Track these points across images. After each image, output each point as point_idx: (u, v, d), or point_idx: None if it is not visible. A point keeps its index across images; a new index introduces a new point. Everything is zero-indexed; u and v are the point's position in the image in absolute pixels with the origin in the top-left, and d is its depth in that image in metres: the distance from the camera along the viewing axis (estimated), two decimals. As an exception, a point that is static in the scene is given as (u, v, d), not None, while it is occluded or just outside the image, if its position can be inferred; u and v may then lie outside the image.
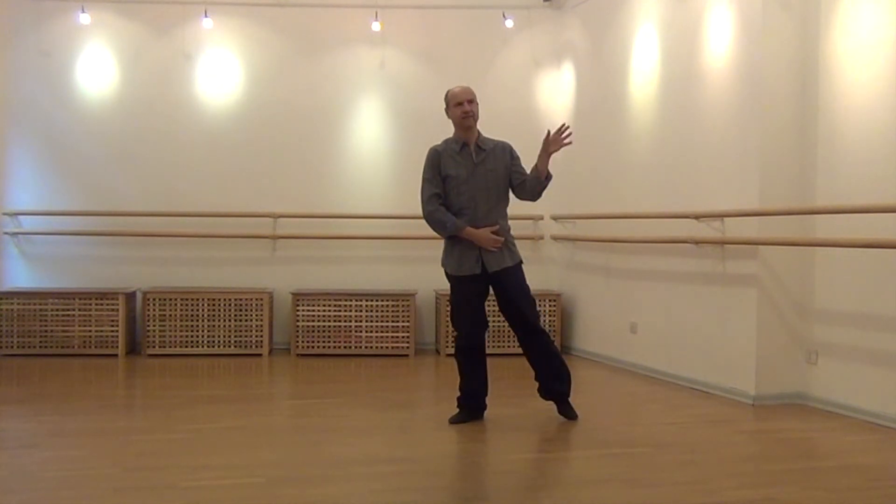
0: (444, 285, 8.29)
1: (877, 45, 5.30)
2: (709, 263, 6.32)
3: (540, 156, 5.16)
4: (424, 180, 5.11)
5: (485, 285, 5.15)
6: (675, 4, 6.79)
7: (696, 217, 6.28)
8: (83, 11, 8.10)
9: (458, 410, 5.26)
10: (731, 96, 6.12)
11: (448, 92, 5.17)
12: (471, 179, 5.07)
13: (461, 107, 5.08)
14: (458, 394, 5.31)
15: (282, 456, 4.48)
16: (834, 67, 5.63)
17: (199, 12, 8.23)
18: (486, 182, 5.11)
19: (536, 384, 5.41)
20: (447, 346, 8.02)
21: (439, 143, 5.20)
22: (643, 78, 7.20)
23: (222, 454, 4.50)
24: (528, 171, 5.20)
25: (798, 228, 5.81)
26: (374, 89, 8.55)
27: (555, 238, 8.57)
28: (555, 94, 8.66)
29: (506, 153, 5.22)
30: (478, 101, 5.17)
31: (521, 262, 5.25)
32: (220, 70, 8.40)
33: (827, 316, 5.71)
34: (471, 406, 5.27)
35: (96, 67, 8.28)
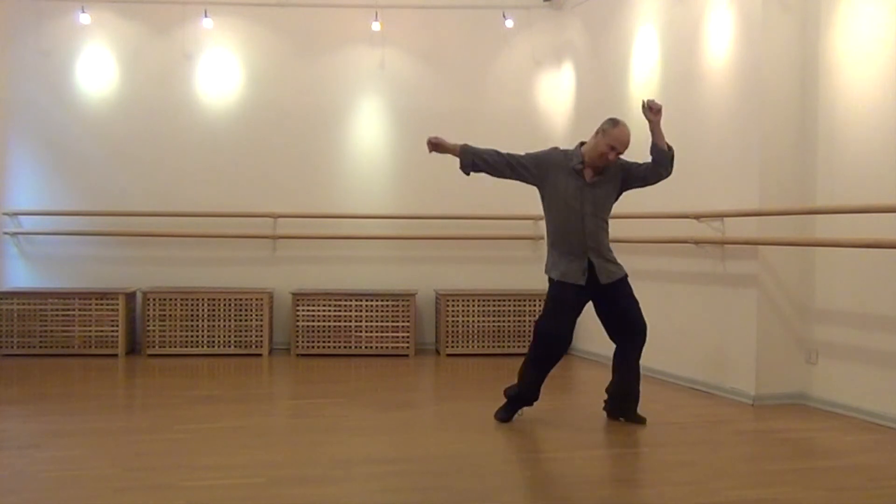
0: (444, 285, 8.40)
1: (877, 45, 5.30)
2: (709, 263, 6.32)
3: (652, 131, 5.14)
4: (524, 158, 5.24)
5: (587, 298, 5.21)
6: (675, 4, 6.79)
7: (696, 217, 6.28)
8: (83, 11, 8.11)
9: (505, 404, 5.32)
10: (731, 96, 6.12)
11: (612, 128, 5.03)
12: (579, 196, 5.10)
13: (613, 150, 5.02)
14: (513, 391, 5.34)
15: (282, 456, 4.48)
16: (834, 67, 5.63)
17: (199, 12, 8.23)
18: (595, 202, 5.13)
19: (607, 396, 5.46)
20: (447, 346, 8.02)
21: (571, 149, 5.23)
22: (643, 78, 7.20)
23: (222, 454, 4.50)
24: (660, 153, 5.18)
25: (798, 228, 5.81)
26: (374, 89, 8.55)
27: (555, 238, 8.56)
28: (555, 94, 8.66)
29: (617, 172, 5.19)
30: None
31: (626, 275, 5.28)
32: (220, 70, 8.40)
33: (827, 316, 5.71)
34: (523, 402, 5.31)
35: (96, 67, 8.28)
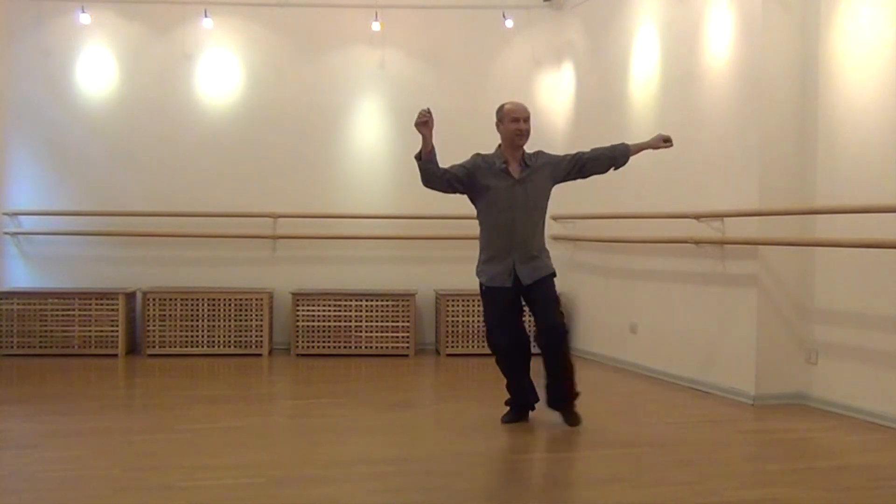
0: (444, 285, 8.40)
1: (877, 45, 5.30)
2: (709, 263, 6.32)
3: (645, 148, 5.21)
4: (457, 168, 5.05)
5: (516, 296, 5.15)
6: (675, 4, 6.79)
7: (696, 217, 6.28)
8: (83, 11, 8.10)
9: (508, 409, 5.30)
10: (731, 96, 6.12)
11: (502, 106, 5.10)
12: (510, 194, 5.03)
13: (517, 124, 5.02)
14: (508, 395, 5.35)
15: (282, 456, 4.48)
16: (834, 67, 5.63)
17: (199, 12, 8.22)
18: (527, 197, 5.06)
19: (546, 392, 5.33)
20: (447, 346, 8.02)
21: (491, 153, 5.15)
22: (643, 78, 7.19)
23: (222, 454, 4.50)
24: (614, 156, 5.23)
25: (798, 228, 5.81)
26: (374, 89, 8.55)
27: (555, 238, 8.55)
28: (555, 94, 8.65)
29: (547, 165, 5.18)
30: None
31: (553, 274, 5.23)
32: (220, 70, 8.40)
33: (827, 316, 5.70)
34: (519, 405, 5.30)
35: (96, 67, 8.28)
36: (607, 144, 5.29)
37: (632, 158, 7.27)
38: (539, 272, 5.10)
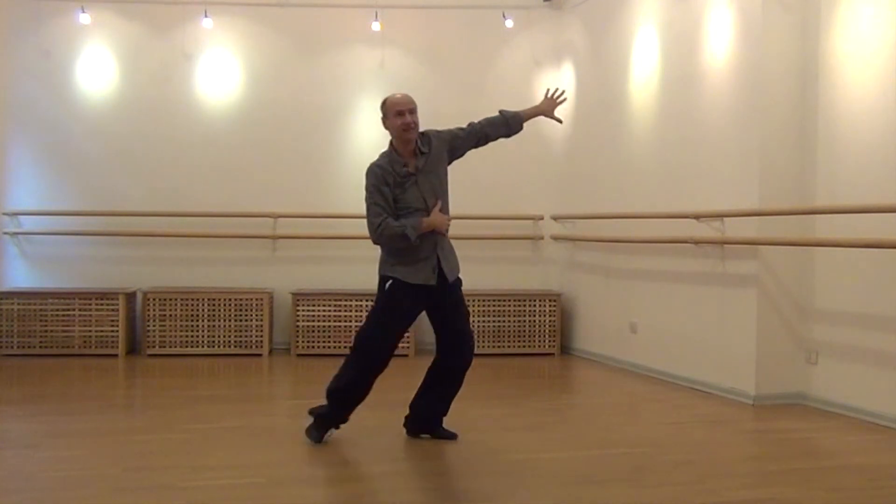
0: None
1: (877, 45, 5.30)
2: (709, 263, 6.32)
3: (531, 109, 5.00)
4: (373, 203, 4.61)
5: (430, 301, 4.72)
6: (675, 4, 6.79)
7: (696, 217, 6.28)
8: (83, 11, 8.10)
9: (316, 424, 4.77)
10: (731, 96, 6.12)
11: (385, 100, 4.68)
12: (418, 191, 4.64)
13: (402, 118, 4.57)
14: (335, 410, 4.79)
15: (282, 456, 4.48)
16: (834, 67, 5.63)
17: (199, 12, 8.23)
18: (432, 187, 4.68)
19: (411, 414, 4.92)
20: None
21: (378, 158, 4.70)
22: (643, 78, 7.19)
23: (222, 454, 4.50)
24: (509, 122, 4.96)
25: (798, 228, 5.81)
26: (374, 89, 8.52)
27: (555, 238, 8.57)
28: (555, 94, 8.64)
29: (440, 144, 4.74)
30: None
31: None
32: (220, 70, 8.40)
33: (827, 316, 5.70)
34: (338, 421, 4.81)
35: (96, 67, 8.28)
36: (503, 117, 5.00)
37: (626, 158, 7.25)
38: (457, 269, 4.78)
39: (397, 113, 4.60)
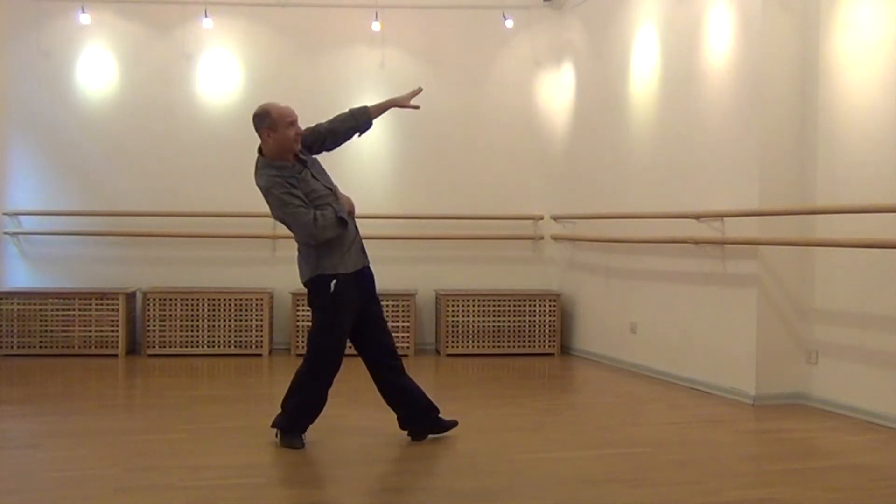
0: (444, 285, 8.39)
1: (877, 45, 5.30)
2: (709, 263, 6.32)
3: (389, 105, 4.80)
4: (294, 206, 4.42)
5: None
6: (675, 4, 6.79)
7: (696, 217, 6.28)
8: (83, 11, 8.10)
9: (297, 436, 4.66)
10: (731, 96, 6.12)
11: (269, 109, 4.50)
12: (319, 180, 4.60)
13: (294, 128, 4.47)
14: (300, 417, 4.71)
15: (281, 456, 4.48)
16: (834, 67, 5.63)
17: (199, 12, 8.22)
18: (322, 171, 4.67)
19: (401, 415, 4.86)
20: (447, 346, 8.02)
21: (264, 170, 4.52)
22: (643, 78, 7.19)
23: (222, 454, 4.50)
24: (347, 121, 4.78)
25: (798, 228, 5.81)
26: (374, 89, 8.52)
27: (555, 238, 8.57)
28: (555, 94, 8.65)
29: (306, 149, 4.67)
30: None
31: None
32: (220, 70, 8.40)
33: (827, 316, 5.70)
34: (303, 428, 4.71)
35: (96, 67, 8.28)
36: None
37: (626, 158, 7.21)
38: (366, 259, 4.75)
39: (290, 123, 4.47)
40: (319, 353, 4.62)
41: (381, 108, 4.83)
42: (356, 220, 4.77)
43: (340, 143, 4.85)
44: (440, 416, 4.86)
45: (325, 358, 4.61)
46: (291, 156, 4.54)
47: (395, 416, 4.85)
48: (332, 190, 4.64)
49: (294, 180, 4.49)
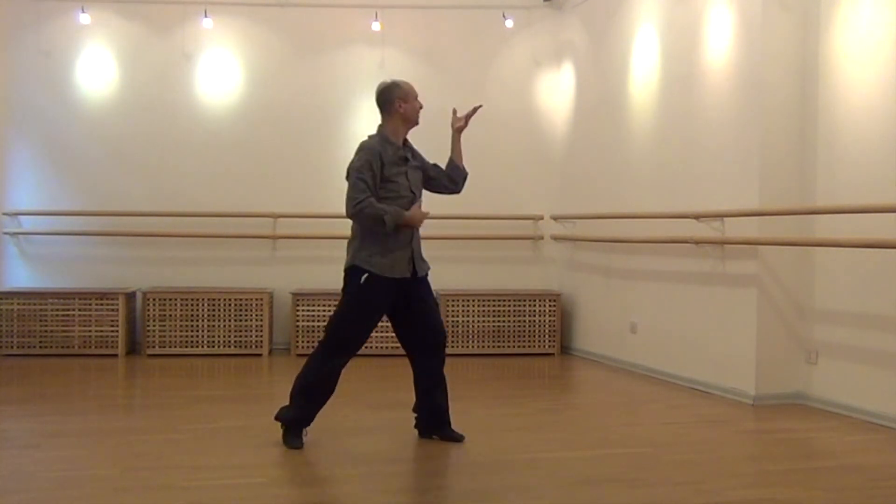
0: (444, 285, 8.38)
1: (877, 45, 5.30)
2: (709, 263, 6.32)
3: (454, 144, 4.89)
4: (359, 178, 4.52)
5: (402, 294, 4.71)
6: (675, 4, 6.79)
7: (696, 217, 6.28)
8: (83, 11, 8.10)
9: (298, 435, 4.69)
10: (731, 96, 6.12)
11: (397, 85, 4.71)
12: (407, 180, 4.68)
13: (418, 102, 4.72)
14: (295, 416, 4.71)
15: (282, 456, 4.48)
16: (834, 67, 5.63)
17: (199, 12, 8.22)
18: (418, 182, 4.77)
19: (417, 414, 4.91)
20: (447, 346, 8.00)
21: (368, 139, 4.70)
22: (643, 78, 7.19)
23: (222, 454, 4.50)
24: (454, 168, 4.90)
25: (798, 228, 5.81)
26: (373, 89, 8.49)
27: (555, 238, 8.57)
28: (555, 94, 8.66)
29: (420, 157, 4.86)
30: None
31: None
32: (220, 70, 8.40)
33: (827, 316, 5.70)
34: (307, 422, 4.74)
35: (96, 67, 8.28)
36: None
37: (626, 158, 7.20)
38: (426, 265, 4.81)
39: (415, 97, 4.73)
40: (332, 339, 4.67)
41: (456, 156, 4.93)
42: (422, 237, 4.82)
43: (436, 192, 4.97)
44: (450, 423, 4.85)
45: (336, 345, 4.66)
46: (408, 130, 4.73)
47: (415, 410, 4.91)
48: (414, 194, 4.71)
49: (388, 157, 4.59)
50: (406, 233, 4.65)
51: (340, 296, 4.75)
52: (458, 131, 4.91)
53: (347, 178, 4.63)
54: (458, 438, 4.79)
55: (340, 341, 4.66)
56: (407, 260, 4.65)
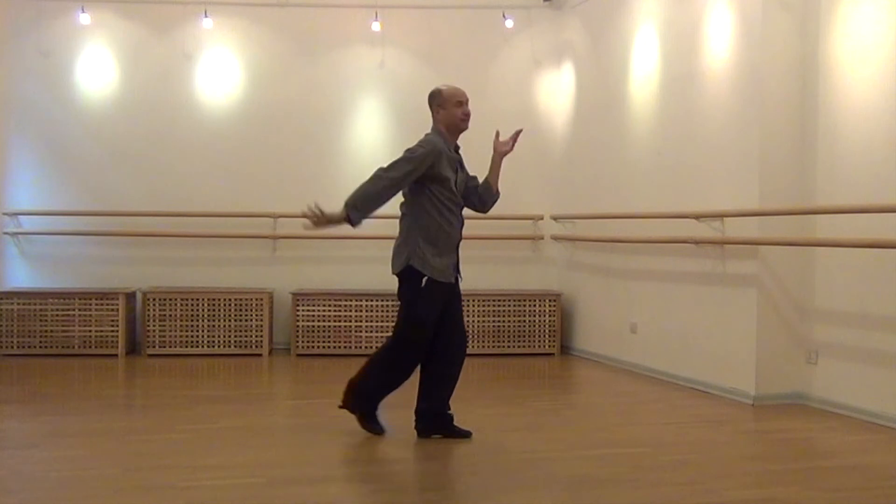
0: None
1: (877, 45, 5.29)
2: (709, 263, 6.32)
3: (494, 165, 4.92)
4: (410, 164, 4.64)
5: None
6: (675, 4, 6.79)
7: (696, 217, 6.28)
8: (83, 11, 8.10)
9: (372, 422, 4.89)
10: (731, 96, 6.12)
11: (439, 91, 4.79)
12: (457, 186, 4.78)
13: (462, 107, 4.74)
14: (368, 401, 4.92)
15: (282, 456, 4.48)
16: (834, 67, 5.63)
17: (199, 12, 8.22)
18: (465, 186, 4.85)
19: (417, 414, 4.91)
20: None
21: (434, 139, 4.75)
22: (643, 78, 7.19)
23: (222, 454, 4.50)
24: (488, 188, 4.95)
25: (798, 228, 5.81)
26: (374, 89, 8.55)
27: (555, 238, 8.57)
28: (555, 94, 8.66)
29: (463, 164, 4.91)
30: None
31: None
32: (220, 70, 8.40)
33: (827, 316, 5.70)
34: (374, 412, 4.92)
35: (96, 67, 8.28)
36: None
37: (626, 158, 7.20)
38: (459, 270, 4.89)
39: (457, 103, 4.75)
40: (398, 345, 4.81)
41: (496, 174, 4.96)
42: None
43: (468, 206, 4.99)
44: (453, 421, 4.88)
45: (402, 351, 4.80)
46: (457, 136, 4.81)
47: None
48: (458, 200, 4.81)
49: (445, 159, 4.67)
50: (453, 240, 4.77)
51: (400, 303, 4.85)
52: (501, 155, 4.93)
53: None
54: (465, 434, 4.83)
55: (406, 348, 4.79)
56: (452, 266, 4.79)
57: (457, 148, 4.85)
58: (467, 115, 4.78)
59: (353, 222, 4.76)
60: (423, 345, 4.76)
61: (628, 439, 4.94)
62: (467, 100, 4.80)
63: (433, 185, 4.69)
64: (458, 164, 4.84)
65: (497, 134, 4.95)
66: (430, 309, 4.72)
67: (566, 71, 8.54)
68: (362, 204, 4.69)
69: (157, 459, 4.36)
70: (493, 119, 8.68)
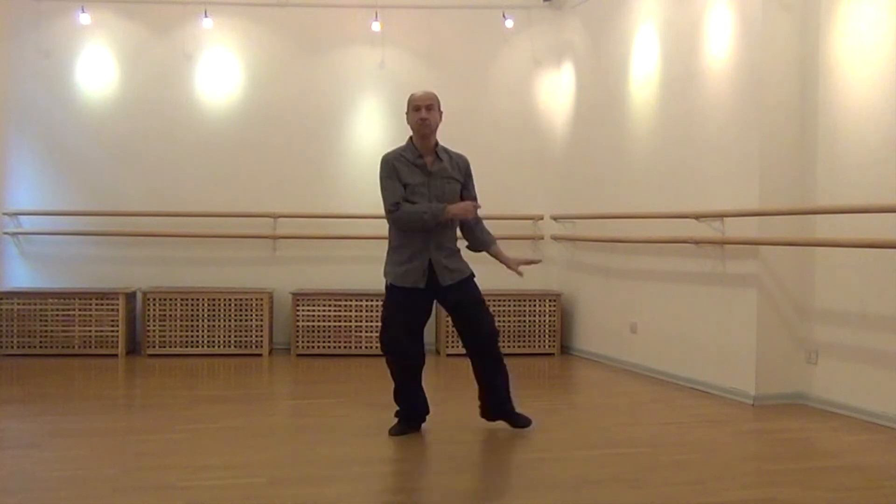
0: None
1: (877, 45, 5.30)
2: (709, 263, 6.32)
3: (504, 257, 5.24)
4: (386, 189, 4.82)
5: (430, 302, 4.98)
6: (675, 4, 6.79)
7: (696, 217, 6.28)
8: (83, 11, 8.10)
9: (396, 421, 4.97)
10: (731, 96, 6.12)
11: (411, 95, 4.94)
12: (427, 190, 4.82)
13: (418, 113, 4.81)
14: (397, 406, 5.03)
15: (282, 456, 4.48)
16: (834, 67, 5.63)
17: (199, 12, 8.23)
18: (443, 193, 4.85)
19: (480, 403, 5.07)
20: (447, 347, 8.02)
21: (390, 151, 4.94)
22: (643, 78, 7.19)
23: (222, 454, 4.50)
24: (484, 235, 5.21)
25: (798, 228, 5.81)
26: (374, 89, 8.55)
27: (555, 238, 8.57)
28: (555, 94, 8.66)
29: (462, 167, 4.99)
30: (440, 108, 4.93)
31: (473, 274, 5.06)
32: (220, 70, 8.41)
33: (827, 316, 5.70)
34: (410, 417, 4.99)
35: (96, 67, 8.28)
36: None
37: (626, 158, 7.24)
38: (461, 273, 4.94)
39: (414, 108, 4.86)
40: (383, 347, 4.96)
41: (496, 253, 5.29)
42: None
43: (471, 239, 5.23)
44: (514, 411, 5.06)
45: (387, 350, 4.94)
46: (424, 141, 4.87)
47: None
48: (426, 196, 4.85)
49: (405, 166, 4.81)
50: (419, 244, 4.83)
51: None
52: (508, 265, 5.25)
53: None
54: (525, 423, 5.01)
55: (386, 346, 4.92)
56: (421, 272, 4.83)
57: (436, 151, 4.91)
58: (423, 120, 4.83)
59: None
60: (394, 347, 4.88)
61: (628, 439, 4.94)
62: (427, 105, 4.85)
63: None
64: (424, 169, 4.84)
65: (519, 272, 5.26)
66: (392, 312, 4.88)
67: (566, 71, 8.54)
68: (420, 222, 4.83)
69: (157, 459, 4.36)
70: (492, 119, 8.77)
